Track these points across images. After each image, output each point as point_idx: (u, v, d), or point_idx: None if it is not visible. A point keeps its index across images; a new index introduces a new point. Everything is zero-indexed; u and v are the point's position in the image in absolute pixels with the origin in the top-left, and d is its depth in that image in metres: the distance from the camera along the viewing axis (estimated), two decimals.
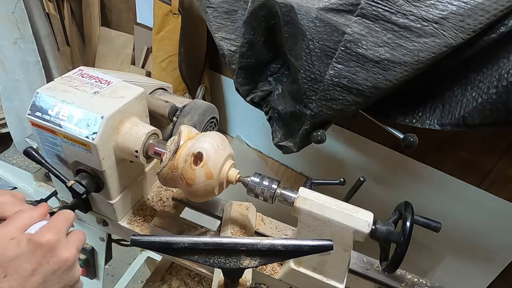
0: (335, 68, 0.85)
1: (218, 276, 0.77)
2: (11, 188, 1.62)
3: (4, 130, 2.30)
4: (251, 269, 0.79)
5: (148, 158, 0.81)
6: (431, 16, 0.74)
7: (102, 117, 0.72)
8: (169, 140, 0.76)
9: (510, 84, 0.72)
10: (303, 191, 0.76)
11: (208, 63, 1.68)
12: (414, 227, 0.73)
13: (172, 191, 1.06)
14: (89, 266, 1.15)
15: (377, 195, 1.49)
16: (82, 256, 1.13)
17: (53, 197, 0.96)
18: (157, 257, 1.40)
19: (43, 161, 0.80)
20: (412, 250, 0.74)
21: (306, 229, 0.76)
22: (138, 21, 1.82)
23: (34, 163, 0.82)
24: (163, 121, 0.96)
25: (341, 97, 0.88)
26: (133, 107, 0.81)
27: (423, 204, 1.34)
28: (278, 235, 0.97)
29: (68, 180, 0.79)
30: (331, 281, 0.81)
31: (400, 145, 0.91)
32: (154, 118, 0.94)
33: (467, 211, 1.35)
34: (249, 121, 1.72)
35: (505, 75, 0.73)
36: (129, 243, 1.00)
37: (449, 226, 1.34)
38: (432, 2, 0.74)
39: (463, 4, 0.71)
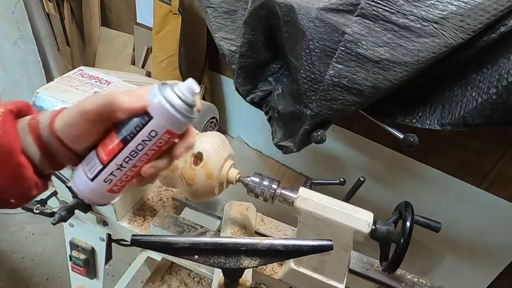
0: (335, 68, 0.85)
1: (218, 276, 0.77)
2: None
3: None
4: (251, 269, 0.79)
5: None
6: (431, 16, 0.74)
7: None
8: None
9: (510, 84, 0.72)
10: (303, 191, 0.76)
11: (208, 63, 1.67)
12: (414, 227, 0.73)
13: (172, 191, 1.06)
14: (89, 266, 1.15)
15: (377, 195, 1.49)
16: (82, 256, 1.12)
17: (53, 197, 0.96)
18: (157, 257, 1.40)
19: None
20: (412, 250, 0.74)
21: (306, 229, 0.76)
22: (138, 21, 1.81)
23: None
24: None
25: (341, 97, 0.88)
26: None
27: (423, 204, 1.33)
28: (278, 235, 0.97)
29: (68, 180, 0.79)
30: (331, 281, 0.81)
31: (400, 145, 0.91)
32: None
33: (467, 211, 1.35)
34: (249, 121, 1.72)
35: (505, 75, 0.73)
36: (129, 243, 0.99)
37: (449, 226, 1.34)
38: (432, 2, 0.74)
39: (463, 4, 0.71)
